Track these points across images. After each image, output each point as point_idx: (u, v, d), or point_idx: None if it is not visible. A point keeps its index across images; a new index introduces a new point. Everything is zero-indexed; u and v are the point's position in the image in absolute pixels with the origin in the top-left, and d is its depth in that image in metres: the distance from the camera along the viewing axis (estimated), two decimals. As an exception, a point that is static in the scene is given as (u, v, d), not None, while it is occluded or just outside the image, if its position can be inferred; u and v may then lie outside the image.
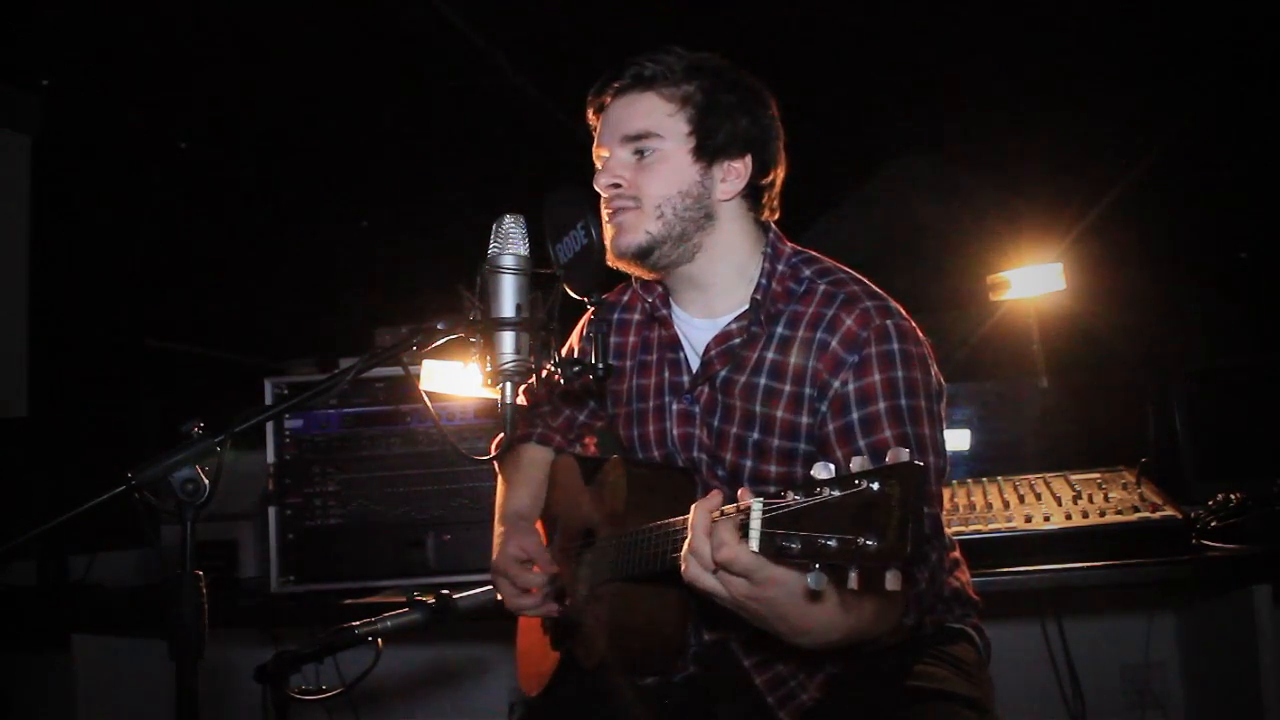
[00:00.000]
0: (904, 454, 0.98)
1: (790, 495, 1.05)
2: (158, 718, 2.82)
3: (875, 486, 0.98)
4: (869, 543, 0.97)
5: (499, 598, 1.75)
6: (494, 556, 1.75)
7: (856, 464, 1.02)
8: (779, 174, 1.64)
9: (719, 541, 1.11)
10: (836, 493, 1.01)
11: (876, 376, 1.47)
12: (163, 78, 3.68)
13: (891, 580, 0.96)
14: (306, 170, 4.63)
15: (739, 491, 1.14)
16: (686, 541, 1.17)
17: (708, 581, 1.16)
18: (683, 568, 1.18)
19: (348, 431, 2.56)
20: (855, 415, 1.47)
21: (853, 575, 0.99)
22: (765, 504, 1.08)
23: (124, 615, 2.66)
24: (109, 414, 2.88)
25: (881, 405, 1.46)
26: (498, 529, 1.80)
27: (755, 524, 1.08)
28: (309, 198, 4.86)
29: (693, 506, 1.19)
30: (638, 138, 1.55)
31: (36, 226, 3.62)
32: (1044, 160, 4.21)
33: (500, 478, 1.91)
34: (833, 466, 1.04)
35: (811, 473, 1.05)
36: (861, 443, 1.45)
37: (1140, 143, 4.19)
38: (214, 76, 3.73)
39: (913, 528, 0.95)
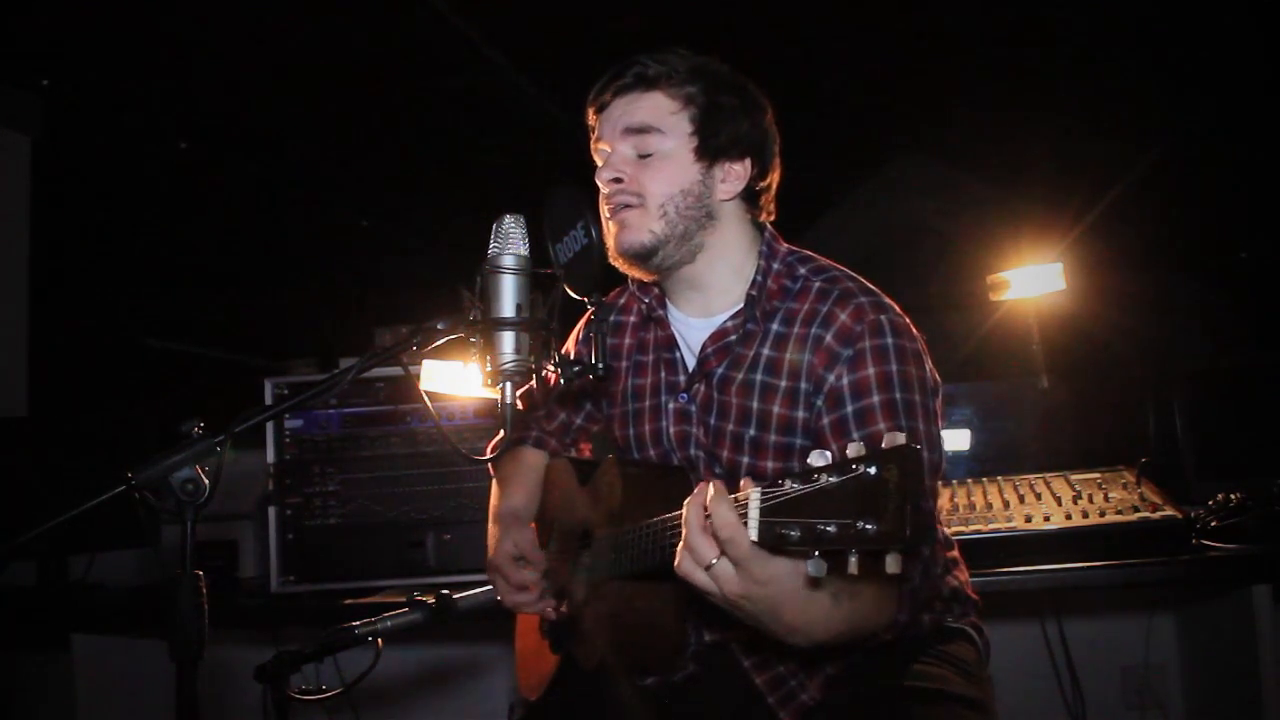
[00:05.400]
0: (900, 437, 0.98)
1: (788, 483, 1.04)
2: (158, 718, 2.82)
3: (873, 470, 0.98)
4: (868, 526, 0.96)
5: (499, 597, 1.75)
6: (489, 554, 1.75)
7: (853, 450, 1.01)
8: (775, 178, 1.65)
9: (722, 521, 1.09)
10: (834, 479, 1.00)
11: (871, 370, 1.47)
12: (163, 78, 3.69)
13: (892, 563, 0.96)
14: (307, 171, 4.63)
15: (741, 481, 1.13)
16: (681, 537, 1.17)
17: (700, 578, 1.15)
18: (676, 562, 1.17)
19: (348, 431, 2.56)
20: (850, 409, 1.47)
21: (852, 560, 0.98)
22: (763, 493, 1.07)
23: (124, 615, 2.66)
24: (109, 414, 2.88)
25: (876, 399, 1.46)
26: (491, 528, 1.80)
27: (754, 512, 1.07)
28: (309, 198, 4.86)
29: (685, 502, 1.18)
30: (641, 130, 1.55)
31: (36, 226, 3.62)
32: (1044, 160, 4.21)
33: (495, 479, 1.91)
34: (829, 454, 1.03)
35: (809, 460, 1.04)
36: (856, 435, 1.45)
37: (1140, 143, 4.19)
38: (214, 76, 3.73)
39: (911, 510, 0.95)
